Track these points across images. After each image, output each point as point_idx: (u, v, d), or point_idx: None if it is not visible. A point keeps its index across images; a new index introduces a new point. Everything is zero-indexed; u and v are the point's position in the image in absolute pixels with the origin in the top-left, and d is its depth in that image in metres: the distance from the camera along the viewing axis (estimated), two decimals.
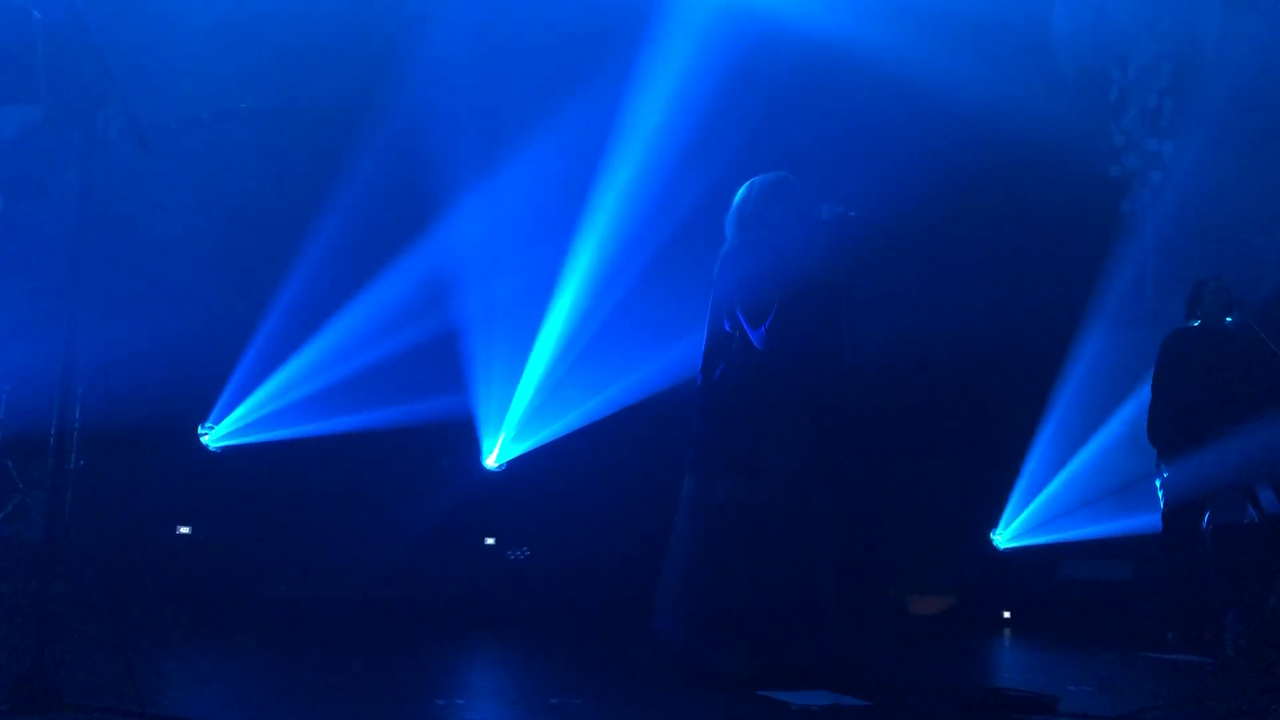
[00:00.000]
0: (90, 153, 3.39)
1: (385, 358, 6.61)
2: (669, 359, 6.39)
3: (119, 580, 5.54)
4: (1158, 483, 6.11)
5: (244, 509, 6.35)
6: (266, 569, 6.24)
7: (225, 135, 6.14)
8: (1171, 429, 6.05)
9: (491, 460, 7.02)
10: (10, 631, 3.96)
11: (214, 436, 6.34)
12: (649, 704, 3.97)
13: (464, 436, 6.95)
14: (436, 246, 6.75)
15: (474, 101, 6.77)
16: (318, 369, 6.51)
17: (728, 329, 4.42)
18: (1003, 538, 7.59)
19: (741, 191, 4.60)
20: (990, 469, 7.49)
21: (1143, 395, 6.31)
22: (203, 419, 6.33)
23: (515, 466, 7.04)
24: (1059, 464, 7.33)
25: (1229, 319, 6.12)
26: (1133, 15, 7.59)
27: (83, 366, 5.41)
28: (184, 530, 6.18)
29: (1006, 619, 7.28)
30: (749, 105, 6.71)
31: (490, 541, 6.96)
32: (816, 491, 4.34)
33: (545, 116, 6.78)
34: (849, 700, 3.84)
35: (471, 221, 6.84)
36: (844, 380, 4.49)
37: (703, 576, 4.26)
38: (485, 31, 6.73)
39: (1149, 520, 6.30)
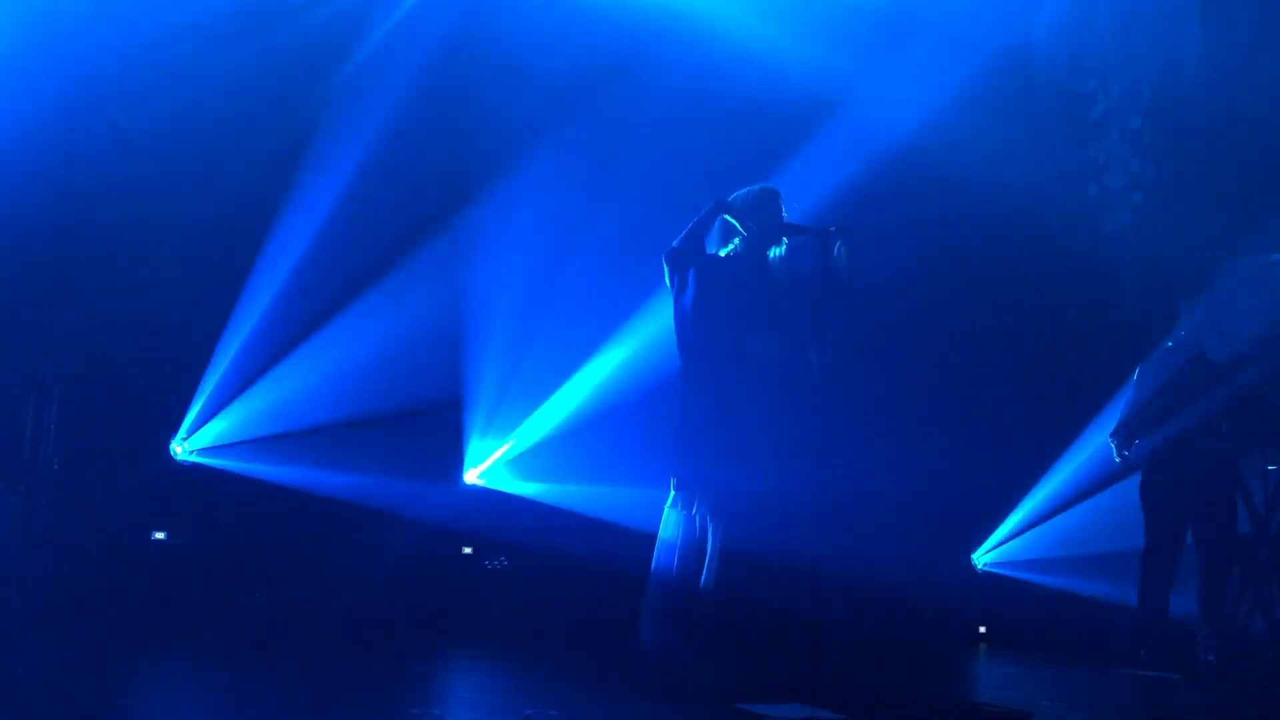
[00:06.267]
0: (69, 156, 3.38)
1: (368, 369, 6.59)
2: (653, 368, 6.40)
3: (93, 585, 5.51)
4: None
5: (220, 515, 6.31)
6: (242, 576, 6.20)
7: (205, 138, 6.10)
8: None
9: (472, 475, 7.02)
10: None
11: (185, 449, 6.29)
12: (625, 715, 3.96)
13: (447, 448, 6.95)
14: (427, 259, 6.74)
15: (461, 121, 6.78)
16: (298, 381, 6.48)
17: (704, 339, 4.44)
18: (982, 559, 7.63)
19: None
20: (990, 492, 7.49)
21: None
22: (176, 427, 6.28)
23: (496, 476, 7.04)
24: (1064, 507, 7.33)
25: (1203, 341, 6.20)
26: (1113, 37, 7.65)
27: (59, 369, 5.40)
28: (159, 535, 6.14)
29: (982, 634, 7.31)
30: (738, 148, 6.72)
31: (467, 551, 6.94)
32: (801, 501, 4.34)
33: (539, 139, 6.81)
34: (824, 714, 3.85)
35: (461, 235, 6.85)
36: (830, 388, 4.50)
37: (683, 588, 4.26)
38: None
39: (1125, 593, 6.34)
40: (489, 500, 7.04)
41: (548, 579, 6.76)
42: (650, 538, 4.49)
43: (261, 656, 4.89)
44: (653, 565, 4.39)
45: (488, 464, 7.05)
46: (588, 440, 6.93)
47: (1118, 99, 7.69)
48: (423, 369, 6.72)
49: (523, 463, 7.07)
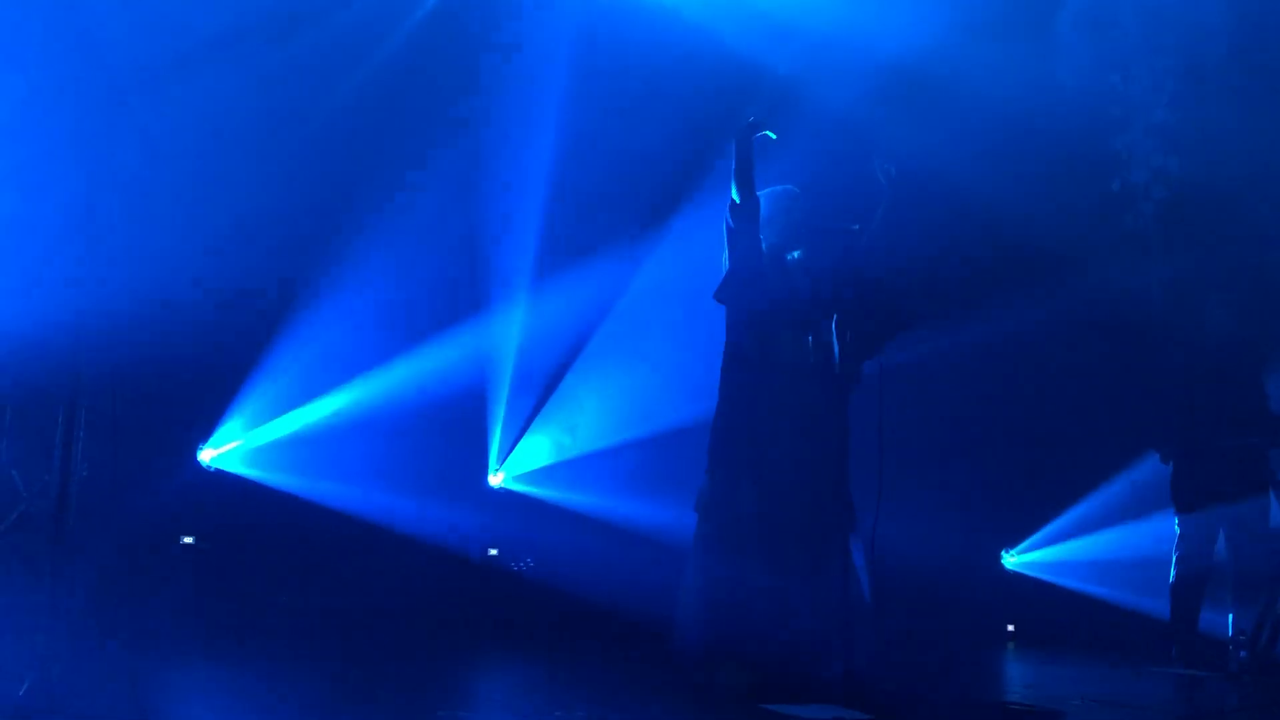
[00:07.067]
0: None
1: (393, 377, 6.62)
2: (679, 377, 6.40)
3: (123, 590, 5.55)
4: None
5: (247, 520, 6.34)
6: (269, 580, 6.23)
7: (234, 148, 6.12)
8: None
9: (496, 480, 7.04)
10: (14, 642, 3.96)
11: (214, 457, 6.33)
12: (652, 717, 3.96)
13: (472, 450, 6.97)
14: (461, 271, 6.76)
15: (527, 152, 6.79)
16: (327, 388, 6.52)
17: (747, 339, 4.43)
18: (1014, 559, 7.60)
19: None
20: (1032, 495, 7.43)
21: None
22: (205, 434, 6.33)
23: (520, 480, 7.07)
24: (1105, 519, 7.27)
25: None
26: (1137, 29, 7.57)
27: (88, 377, 5.44)
28: (187, 540, 6.18)
29: (1011, 633, 7.27)
30: None
31: (493, 552, 6.96)
32: (831, 502, 4.32)
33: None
34: (854, 715, 3.83)
35: (497, 246, 6.87)
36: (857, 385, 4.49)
37: (712, 588, 4.26)
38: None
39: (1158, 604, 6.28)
40: (514, 502, 7.06)
41: (575, 580, 6.76)
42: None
43: (289, 660, 4.91)
44: (686, 562, 4.39)
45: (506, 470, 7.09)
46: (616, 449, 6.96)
47: (1141, 92, 7.62)
48: (449, 374, 6.74)
49: (553, 471, 7.11)
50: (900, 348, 4.76)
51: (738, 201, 4.46)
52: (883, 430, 4.29)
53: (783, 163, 5.37)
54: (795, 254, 4.57)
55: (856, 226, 4.54)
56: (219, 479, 6.33)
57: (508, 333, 6.96)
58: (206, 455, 6.34)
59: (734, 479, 4.34)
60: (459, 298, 6.83)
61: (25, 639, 3.50)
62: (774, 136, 4.53)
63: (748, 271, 4.44)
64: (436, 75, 6.64)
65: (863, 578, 4.26)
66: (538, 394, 7.10)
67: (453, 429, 6.89)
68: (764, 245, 4.52)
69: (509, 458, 7.10)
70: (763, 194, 4.55)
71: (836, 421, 4.39)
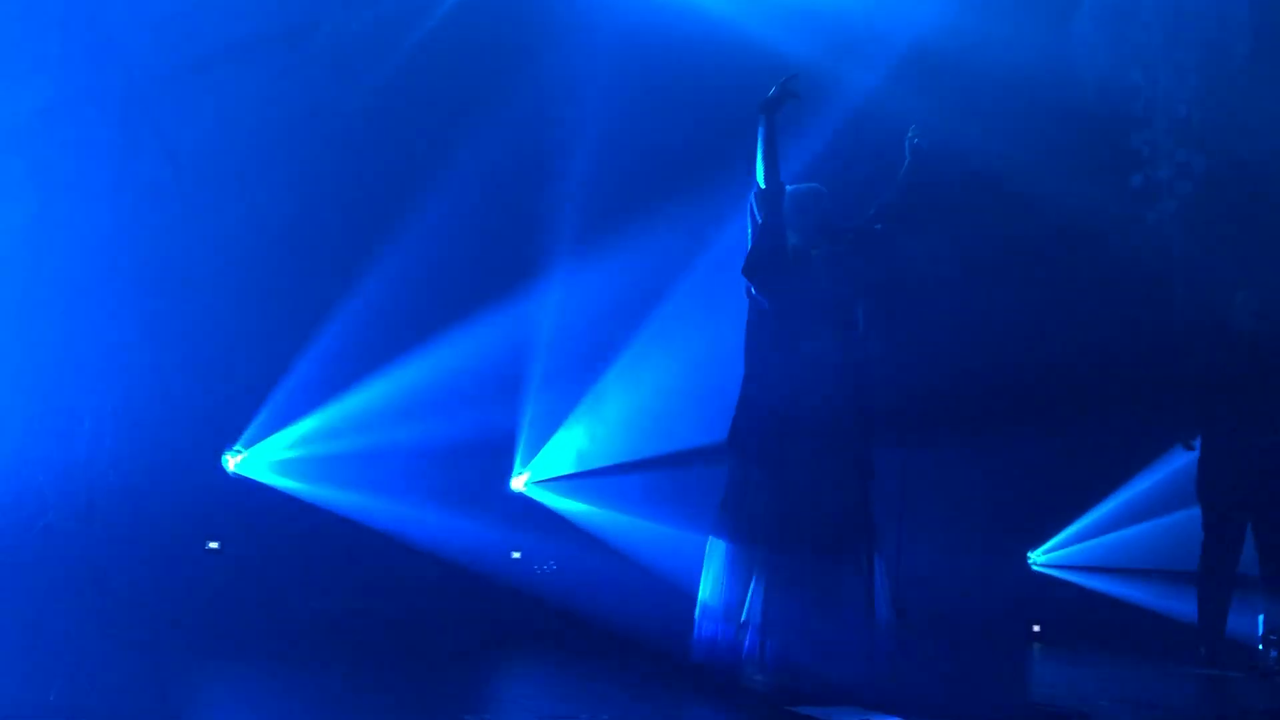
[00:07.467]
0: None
1: (419, 389, 6.64)
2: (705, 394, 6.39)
3: (148, 595, 5.59)
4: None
5: (272, 523, 6.38)
6: (293, 584, 6.26)
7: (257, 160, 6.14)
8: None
9: (518, 483, 7.05)
10: (43, 649, 3.99)
11: (239, 463, 6.37)
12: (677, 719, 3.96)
13: (498, 453, 6.99)
14: (480, 273, 6.77)
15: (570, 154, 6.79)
16: (353, 396, 6.55)
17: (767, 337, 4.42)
18: (1039, 559, 7.57)
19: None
20: (1057, 492, 7.41)
21: None
22: (231, 441, 6.36)
23: (541, 486, 7.09)
24: (1132, 518, 7.23)
25: None
26: (1158, 23, 7.52)
27: (116, 386, 5.48)
28: (213, 545, 6.22)
29: (1036, 633, 7.23)
30: None
31: (516, 555, 6.97)
32: (851, 501, 4.30)
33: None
34: (879, 717, 3.82)
35: (520, 247, 6.87)
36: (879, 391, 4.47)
37: (735, 589, 4.25)
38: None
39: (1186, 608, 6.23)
40: (536, 506, 7.07)
41: (598, 582, 6.77)
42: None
43: (314, 664, 4.93)
44: (705, 561, 4.39)
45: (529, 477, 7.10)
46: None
47: (1163, 87, 7.56)
48: (473, 376, 6.75)
49: (572, 478, 7.12)
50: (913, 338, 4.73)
51: (762, 186, 4.40)
52: (907, 431, 4.27)
53: (805, 151, 5.35)
54: (819, 251, 4.54)
55: (879, 226, 4.52)
56: (244, 485, 6.36)
57: (536, 336, 6.98)
58: (232, 462, 6.38)
59: (750, 473, 4.32)
60: (481, 300, 6.84)
61: (51, 644, 3.52)
62: (799, 97, 4.43)
63: (770, 262, 4.40)
64: (453, 74, 6.64)
65: (881, 591, 4.24)
66: (562, 398, 7.10)
67: (476, 431, 6.90)
68: (788, 244, 4.50)
69: (532, 461, 7.11)
70: (787, 190, 4.53)
71: (858, 419, 4.36)
